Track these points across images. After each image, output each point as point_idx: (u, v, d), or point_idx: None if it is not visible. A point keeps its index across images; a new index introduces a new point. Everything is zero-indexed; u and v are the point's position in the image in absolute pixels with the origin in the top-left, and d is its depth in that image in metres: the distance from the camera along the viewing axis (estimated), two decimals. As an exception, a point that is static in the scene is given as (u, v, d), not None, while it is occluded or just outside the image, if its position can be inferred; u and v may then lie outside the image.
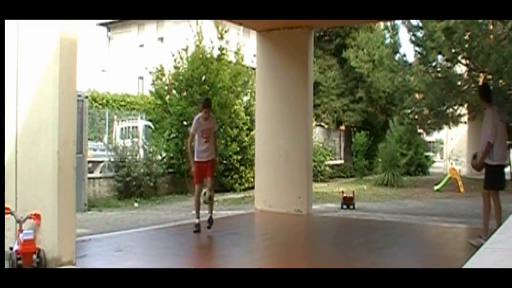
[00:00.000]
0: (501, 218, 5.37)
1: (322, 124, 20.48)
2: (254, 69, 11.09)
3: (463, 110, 16.13)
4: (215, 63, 13.32)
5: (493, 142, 5.49)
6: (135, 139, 12.89)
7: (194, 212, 6.67)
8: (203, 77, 13.00)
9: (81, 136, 8.93)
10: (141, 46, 26.66)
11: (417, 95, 15.50)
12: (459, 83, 14.44)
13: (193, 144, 6.50)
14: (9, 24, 4.70)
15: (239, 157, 13.69)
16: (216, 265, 4.87)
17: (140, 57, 24.70)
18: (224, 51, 13.68)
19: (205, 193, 6.37)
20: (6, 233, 4.64)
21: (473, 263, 3.14)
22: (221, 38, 13.67)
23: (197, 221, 6.41)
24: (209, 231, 6.41)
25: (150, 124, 14.42)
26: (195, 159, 6.43)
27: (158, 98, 13.48)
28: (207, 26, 14.79)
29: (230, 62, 14.02)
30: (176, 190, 12.74)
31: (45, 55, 4.61)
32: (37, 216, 4.49)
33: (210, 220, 6.44)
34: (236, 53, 14.27)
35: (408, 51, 31.40)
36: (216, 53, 13.57)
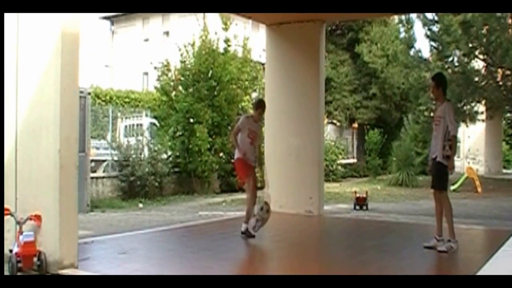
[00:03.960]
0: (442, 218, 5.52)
1: (334, 121, 20.24)
2: (263, 64, 10.87)
3: (480, 107, 15.75)
4: (221, 57, 13.08)
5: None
6: (140, 137, 12.59)
7: (246, 213, 6.02)
8: (210, 72, 12.79)
9: (83, 134, 8.75)
10: (146, 40, 26.20)
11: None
12: (476, 79, 14.10)
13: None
14: (9, 17, 4.61)
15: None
16: (224, 268, 4.73)
17: (145, 52, 24.33)
18: (229, 43, 13.42)
19: (262, 208, 5.83)
20: (6, 235, 4.58)
21: (491, 266, 2.92)
22: (226, 29, 13.42)
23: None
24: (217, 233, 6.31)
25: (155, 121, 14.24)
26: (242, 156, 5.83)
27: (163, 95, 13.28)
28: (213, 19, 14.55)
29: (236, 56, 13.77)
30: (182, 190, 12.51)
31: (46, 50, 4.50)
32: (37, 217, 4.39)
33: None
34: (243, 47, 14.01)
35: (424, 46, 31.03)
36: (222, 45, 13.32)
